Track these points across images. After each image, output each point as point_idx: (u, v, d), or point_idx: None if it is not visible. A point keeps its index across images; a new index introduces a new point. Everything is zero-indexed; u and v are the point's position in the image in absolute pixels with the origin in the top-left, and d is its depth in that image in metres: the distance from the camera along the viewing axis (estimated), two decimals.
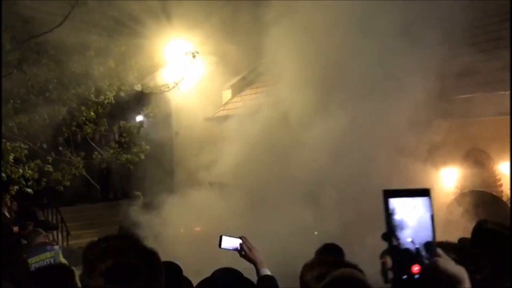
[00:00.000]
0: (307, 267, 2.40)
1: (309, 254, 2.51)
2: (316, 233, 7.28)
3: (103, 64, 8.39)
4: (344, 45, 7.79)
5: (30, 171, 7.99)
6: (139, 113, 12.08)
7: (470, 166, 7.75)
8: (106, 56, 8.40)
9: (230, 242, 3.27)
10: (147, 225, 8.93)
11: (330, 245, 4.34)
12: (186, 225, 9.25)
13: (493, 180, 7.62)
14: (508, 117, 6.81)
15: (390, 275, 1.06)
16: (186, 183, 10.26)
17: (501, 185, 7.51)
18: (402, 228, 1.07)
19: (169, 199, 9.86)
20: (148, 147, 9.41)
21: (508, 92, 6.43)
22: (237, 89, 13.07)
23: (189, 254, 6.01)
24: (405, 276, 1.04)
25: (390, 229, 1.07)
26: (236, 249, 3.25)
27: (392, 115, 7.11)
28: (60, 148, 8.95)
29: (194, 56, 9.44)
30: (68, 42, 7.69)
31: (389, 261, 1.06)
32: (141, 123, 10.60)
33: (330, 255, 4.19)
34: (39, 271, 3.69)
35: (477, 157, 7.92)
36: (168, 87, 9.45)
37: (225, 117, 11.49)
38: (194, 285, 3.57)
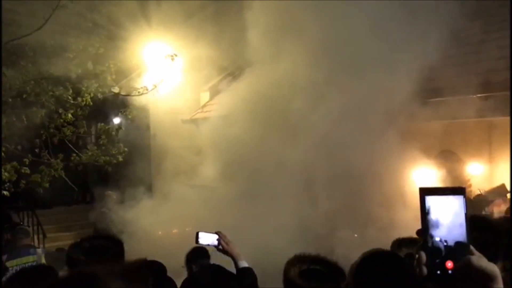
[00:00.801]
0: (289, 264, 2.53)
1: (292, 251, 2.63)
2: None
3: (81, 66, 8.35)
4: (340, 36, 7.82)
5: (6, 173, 7.89)
6: (117, 115, 12.03)
7: (441, 167, 8.02)
8: (84, 58, 8.36)
9: (207, 238, 3.37)
10: (122, 225, 8.93)
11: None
12: (164, 225, 9.29)
13: (463, 181, 7.90)
14: (480, 120, 7.07)
15: (425, 270, 1.10)
16: (164, 185, 10.29)
17: (470, 185, 7.80)
18: (437, 225, 1.10)
19: (146, 199, 9.90)
20: (126, 149, 9.39)
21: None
22: (215, 91, 13.15)
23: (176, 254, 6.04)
24: (439, 272, 1.09)
25: (426, 226, 1.11)
26: (213, 244, 3.36)
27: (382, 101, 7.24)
28: (37, 150, 8.85)
29: (173, 59, 9.44)
30: (46, 44, 7.65)
31: (423, 256, 1.11)
32: (119, 125, 10.57)
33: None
34: (23, 273, 3.68)
35: (448, 158, 8.21)
36: (147, 90, 9.45)
37: (203, 119, 11.55)
38: (178, 284, 3.66)
